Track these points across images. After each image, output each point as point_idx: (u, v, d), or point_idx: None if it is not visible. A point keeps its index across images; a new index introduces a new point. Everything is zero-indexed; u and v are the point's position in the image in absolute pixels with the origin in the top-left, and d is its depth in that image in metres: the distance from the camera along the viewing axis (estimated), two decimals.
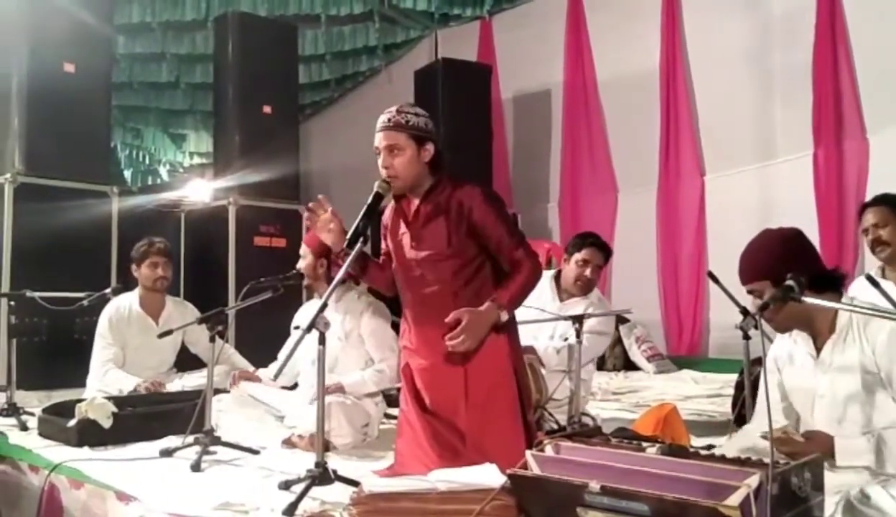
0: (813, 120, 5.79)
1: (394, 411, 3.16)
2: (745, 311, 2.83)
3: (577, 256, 3.63)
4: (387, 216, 2.80)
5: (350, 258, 2.50)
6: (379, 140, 2.59)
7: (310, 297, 3.85)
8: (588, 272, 3.61)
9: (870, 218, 3.37)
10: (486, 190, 2.68)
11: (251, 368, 4.16)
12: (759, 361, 2.93)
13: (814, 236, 5.58)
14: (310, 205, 2.69)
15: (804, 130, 5.82)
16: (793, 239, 2.25)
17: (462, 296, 2.59)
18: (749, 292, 2.23)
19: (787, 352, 2.34)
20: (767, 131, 6.12)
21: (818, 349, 2.21)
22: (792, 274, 2.04)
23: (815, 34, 5.75)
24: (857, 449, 2.01)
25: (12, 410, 3.69)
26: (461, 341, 2.45)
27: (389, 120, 2.58)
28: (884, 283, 3.06)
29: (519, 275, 2.57)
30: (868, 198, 3.68)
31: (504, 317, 2.54)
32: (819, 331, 2.21)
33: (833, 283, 2.19)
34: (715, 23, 6.39)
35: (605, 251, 3.69)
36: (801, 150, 5.86)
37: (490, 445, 2.44)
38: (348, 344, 3.40)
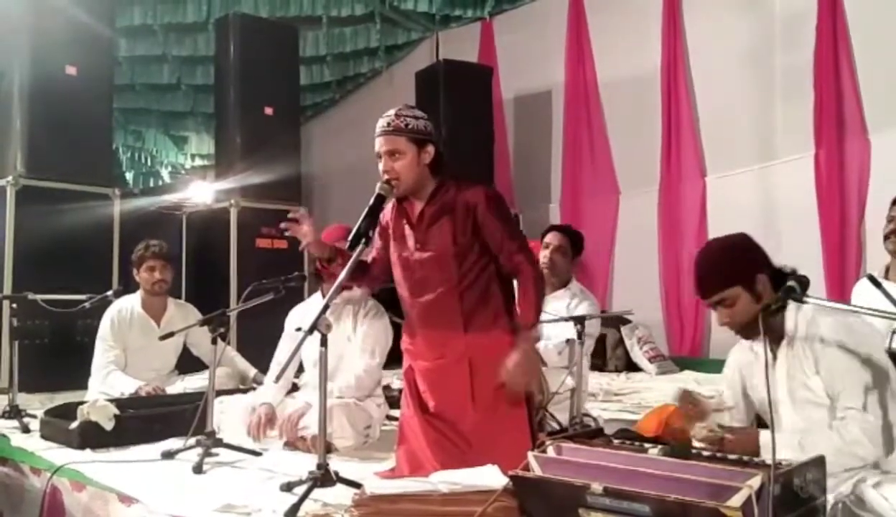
0: (814, 120, 5.78)
1: (396, 412, 3.16)
2: None
3: (543, 243, 3.70)
4: (386, 214, 2.76)
5: (352, 260, 2.49)
6: (379, 145, 2.57)
7: (311, 294, 3.82)
8: (548, 253, 3.65)
9: None
10: (491, 191, 2.68)
11: (252, 371, 4.18)
12: None
13: (815, 236, 5.65)
14: (290, 215, 2.64)
15: (805, 130, 5.82)
16: (746, 241, 2.22)
17: (467, 297, 2.59)
18: (717, 303, 2.15)
19: (748, 362, 2.30)
20: (769, 132, 6.11)
21: (775, 357, 2.18)
22: (759, 275, 2.08)
23: (816, 34, 5.75)
24: (781, 444, 1.97)
25: (14, 413, 3.69)
26: (520, 379, 2.47)
27: (388, 124, 2.56)
28: (886, 284, 3.06)
29: (529, 286, 2.56)
30: (869, 198, 3.61)
31: (537, 333, 2.53)
32: (774, 338, 2.17)
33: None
34: (716, 23, 6.39)
35: (568, 235, 3.72)
36: (803, 151, 5.85)
37: (497, 447, 2.42)
38: (355, 342, 3.39)
